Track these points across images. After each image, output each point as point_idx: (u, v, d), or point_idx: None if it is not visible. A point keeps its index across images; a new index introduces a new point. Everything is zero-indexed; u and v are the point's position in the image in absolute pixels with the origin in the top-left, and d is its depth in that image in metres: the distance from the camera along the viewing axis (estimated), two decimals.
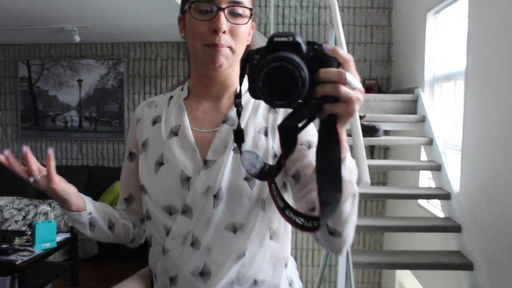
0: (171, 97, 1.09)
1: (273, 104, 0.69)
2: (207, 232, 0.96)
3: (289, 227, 1.05)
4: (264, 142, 0.98)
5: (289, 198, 1.02)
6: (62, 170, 5.32)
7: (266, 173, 0.86)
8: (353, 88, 0.67)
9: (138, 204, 1.12)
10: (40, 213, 3.82)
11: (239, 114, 0.87)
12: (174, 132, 1.02)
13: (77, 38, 4.49)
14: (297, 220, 0.79)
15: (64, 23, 4.35)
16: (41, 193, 5.15)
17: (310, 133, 0.97)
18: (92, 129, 5.65)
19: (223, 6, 0.91)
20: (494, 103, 2.86)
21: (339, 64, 0.69)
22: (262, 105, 1.02)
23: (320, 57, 0.68)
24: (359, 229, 3.47)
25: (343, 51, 0.69)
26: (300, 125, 0.76)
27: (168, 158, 0.99)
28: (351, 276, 2.58)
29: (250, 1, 0.97)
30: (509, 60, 2.69)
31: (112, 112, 5.62)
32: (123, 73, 5.56)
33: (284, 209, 0.80)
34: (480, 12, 3.07)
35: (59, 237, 3.88)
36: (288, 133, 0.77)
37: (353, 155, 2.48)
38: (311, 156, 0.94)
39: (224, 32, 0.92)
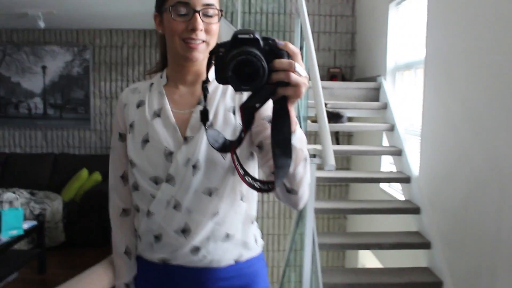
0: (151, 84, 1.25)
1: (240, 89, 0.84)
2: (187, 196, 1.13)
3: (254, 192, 1.22)
4: (233, 120, 1.16)
5: (255, 165, 1.21)
6: (27, 158, 5.26)
7: (228, 146, 1.02)
8: (300, 75, 0.84)
9: None
10: (5, 201, 3.78)
11: (205, 96, 1.04)
12: (157, 114, 1.18)
13: (41, 24, 4.41)
14: (255, 184, 0.95)
15: (28, 7, 4.25)
16: (5, 181, 5.07)
17: (270, 109, 1.09)
18: (57, 116, 5.58)
19: (198, 9, 1.10)
20: (451, 91, 3.02)
21: (289, 56, 0.85)
22: (230, 88, 1.15)
23: (274, 50, 0.85)
24: (323, 212, 3.61)
25: (292, 45, 0.86)
26: (257, 105, 0.91)
27: (152, 136, 1.16)
28: (317, 258, 2.68)
29: (218, 3, 1.16)
30: (465, 50, 2.85)
31: (78, 99, 5.56)
32: (89, 60, 5.50)
33: (244, 175, 0.95)
34: (438, 4, 3.23)
35: (26, 225, 3.86)
36: (248, 112, 0.92)
37: (319, 140, 2.59)
38: None
39: (201, 30, 1.11)
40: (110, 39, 5.52)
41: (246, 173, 0.97)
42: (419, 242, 3.22)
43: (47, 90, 5.55)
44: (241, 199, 1.19)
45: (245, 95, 1.14)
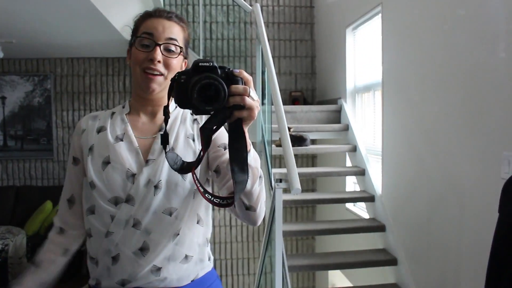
0: (113, 113, 1.31)
1: (203, 109, 0.93)
2: (147, 215, 1.18)
3: (210, 216, 1.32)
4: (192, 145, 1.25)
5: (210, 191, 1.26)
6: None
7: (186, 168, 1.10)
8: (253, 99, 0.94)
9: (79, 204, 1.30)
10: None
11: (166, 121, 1.10)
12: (120, 138, 1.24)
13: (0, 54, 4.34)
14: (215, 200, 1.02)
15: None
16: None
17: (225, 137, 1.22)
18: (18, 147, 5.45)
19: (160, 42, 1.19)
20: (407, 111, 3.15)
21: (243, 82, 0.95)
22: (188, 117, 1.30)
23: (230, 77, 0.94)
24: (291, 234, 3.65)
25: (245, 73, 0.96)
26: (214, 127, 0.99)
27: (114, 158, 1.21)
28: (288, 280, 2.70)
29: (183, 42, 1.25)
30: (419, 71, 2.99)
31: (40, 129, 5.45)
32: (50, 90, 5.43)
33: (205, 193, 1.03)
34: (392, 28, 3.38)
35: None
36: (207, 134, 0.99)
37: (284, 164, 2.64)
38: (227, 155, 1.16)
39: (159, 61, 1.19)
40: (71, 68, 5.47)
41: (206, 190, 1.04)
42: (386, 259, 3.30)
43: (7, 121, 5.43)
44: (198, 223, 1.26)
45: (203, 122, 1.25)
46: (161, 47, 1.19)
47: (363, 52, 4.19)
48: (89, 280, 1.29)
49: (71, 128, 5.45)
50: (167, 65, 1.20)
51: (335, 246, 4.47)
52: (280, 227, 2.49)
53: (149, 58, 1.18)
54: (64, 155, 5.50)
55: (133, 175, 1.19)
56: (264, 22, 4.40)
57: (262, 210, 1.14)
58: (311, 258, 3.62)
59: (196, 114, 1.03)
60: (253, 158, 1.08)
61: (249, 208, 1.12)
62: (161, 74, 1.20)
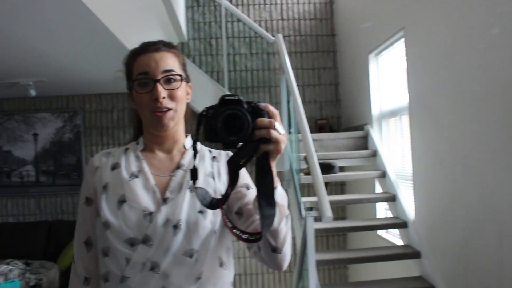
0: (126, 149, 1.27)
1: (228, 140, 0.95)
2: (166, 258, 1.11)
3: (231, 260, 1.25)
4: (212, 183, 1.22)
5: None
6: (20, 227, 5.17)
7: (215, 204, 1.07)
8: (280, 133, 0.95)
9: (96, 246, 1.21)
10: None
11: (195, 155, 1.11)
12: (135, 175, 1.19)
13: (33, 93, 4.48)
14: (243, 236, 1.01)
15: (19, 77, 4.34)
16: None
17: (246, 178, 1.23)
18: (50, 182, 5.55)
19: (158, 77, 1.15)
20: (437, 134, 3.11)
21: (269, 116, 0.97)
22: (206, 155, 1.28)
23: (256, 111, 0.96)
24: (323, 263, 3.60)
25: (271, 106, 0.98)
26: (242, 162, 1.01)
27: (129, 196, 1.15)
28: None
29: (180, 68, 1.22)
30: (446, 92, 2.96)
31: (70, 164, 5.56)
32: (80, 126, 5.56)
33: (233, 228, 1.02)
34: (415, 52, 3.38)
35: None
36: (234, 168, 1.01)
37: (314, 192, 2.63)
38: (250, 195, 1.19)
39: (164, 98, 1.15)
40: (100, 104, 5.60)
41: (234, 226, 1.03)
42: (423, 287, 3.21)
43: (39, 157, 5.56)
44: (221, 266, 1.19)
45: (222, 162, 1.28)
46: (161, 81, 1.15)
47: (387, 77, 4.19)
48: None
49: None
50: (173, 98, 1.17)
51: (368, 275, 4.38)
52: (312, 255, 2.46)
53: (154, 98, 1.14)
54: None
55: (150, 213, 1.13)
56: (287, 52, 4.45)
57: (288, 253, 1.13)
58: (344, 287, 3.54)
59: (224, 149, 1.02)
60: (280, 195, 1.04)
61: (275, 250, 1.10)
62: (170, 109, 1.16)
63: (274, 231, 1.07)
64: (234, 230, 1.02)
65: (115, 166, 1.22)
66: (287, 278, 5.52)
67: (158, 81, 1.15)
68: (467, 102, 2.74)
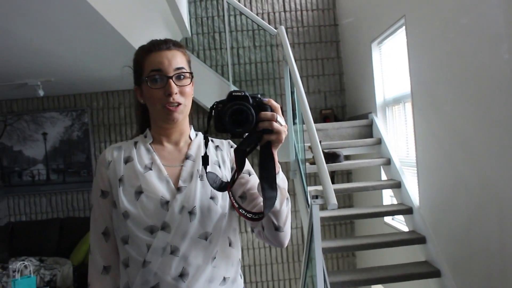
0: (135, 142, 1.35)
1: (235, 131, 1.08)
2: (184, 241, 1.21)
3: (238, 239, 1.37)
4: (219, 171, 1.32)
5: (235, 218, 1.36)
6: (33, 225, 5.26)
7: (224, 186, 1.19)
8: (281, 124, 1.08)
9: (113, 236, 1.29)
10: (15, 270, 3.80)
11: (206, 144, 1.21)
12: (149, 168, 1.28)
13: (41, 93, 4.54)
14: (248, 215, 1.15)
15: (27, 78, 4.41)
16: (14, 250, 5.07)
17: (248, 165, 1.33)
18: (61, 180, 5.65)
19: (170, 74, 1.24)
20: (439, 120, 3.14)
21: (271, 109, 1.10)
22: (210, 145, 1.37)
23: (260, 105, 1.09)
24: (331, 251, 3.65)
25: (274, 101, 1.10)
26: (247, 149, 1.14)
27: (146, 187, 1.24)
28: None
29: (187, 65, 1.32)
30: (447, 78, 2.99)
31: (80, 162, 5.65)
32: (88, 123, 5.64)
33: (239, 208, 1.16)
34: (416, 39, 3.40)
35: None
36: (240, 155, 1.14)
37: (319, 181, 2.68)
38: (252, 181, 1.32)
39: (176, 93, 1.24)
40: (107, 101, 5.68)
41: (240, 206, 1.17)
42: (429, 271, 3.26)
43: (49, 156, 5.65)
44: (230, 245, 1.30)
45: (225, 151, 1.40)
46: (173, 78, 1.24)
47: (390, 65, 4.21)
48: None
49: None
50: (183, 93, 1.25)
51: (376, 261, 4.43)
52: (319, 242, 2.51)
53: (167, 93, 1.23)
54: None
55: (167, 202, 1.22)
56: (290, 43, 4.48)
57: (288, 231, 1.26)
58: (352, 274, 3.60)
59: (231, 138, 1.14)
60: (281, 179, 1.17)
61: (278, 229, 1.23)
62: (180, 104, 1.25)
63: (276, 212, 1.20)
64: (240, 210, 1.15)
65: (127, 160, 1.30)
66: (296, 268, 5.59)
67: (171, 77, 1.23)
68: (468, 88, 2.77)
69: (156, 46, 1.28)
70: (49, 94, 5.44)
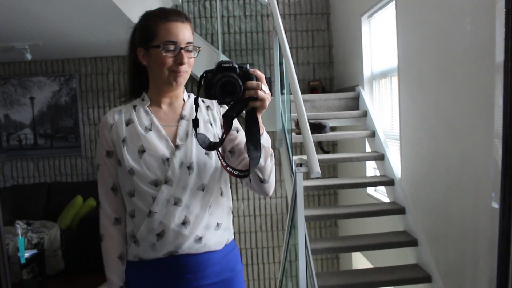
0: (134, 106, 1.47)
1: (223, 101, 1.21)
2: (185, 193, 1.37)
3: (229, 189, 1.53)
4: (211, 129, 1.47)
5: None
6: (20, 189, 5.31)
7: (213, 146, 1.33)
8: (265, 92, 1.21)
9: (120, 191, 1.45)
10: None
11: (196, 109, 1.34)
12: (149, 129, 1.42)
13: (28, 56, 4.51)
14: (234, 172, 1.29)
15: (14, 41, 4.37)
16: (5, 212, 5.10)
17: (236, 123, 1.42)
18: (48, 145, 5.67)
19: (183, 46, 1.38)
20: (424, 95, 3.21)
21: (256, 78, 1.22)
22: (202, 105, 1.51)
23: (246, 75, 1.21)
24: (314, 218, 3.75)
25: (258, 71, 1.23)
26: (234, 115, 1.26)
27: (148, 146, 1.38)
28: (311, 262, 2.79)
29: (193, 38, 1.45)
30: (434, 55, 3.04)
31: (67, 127, 5.66)
32: (76, 89, 5.62)
33: (227, 166, 1.30)
34: (405, 14, 3.43)
35: (27, 254, 3.93)
36: (228, 119, 1.26)
37: (304, 151, 2.74)
38: (240, 137, 1.45)
39: (185, 63, 1.39)
40: (95, 67, 5.65)
41: (228, 164, 1.31)
42: (406, 240, 3.38)
43: (36, 121, 5.64)
44: (221, 195, 1.46)
45: (215, 110, 1.54)
46: (184, 49, 1.38)
47: (379, 39, 4.24)
48: (128, 256, 1.44)
49: (97, 124, 5.63)
50: (189, 64, 1.40)
51: (357, 231, 4.56)
52: (302, 209, 2.59)
53: (178, 62, 1.36)
54: (92, 151, 5.70)
55: (167, 159, 1.37)
56: (281, 14, 4.48)
57: (272, 183, 1.41)
58: (333, 241, 3.71)
59: (220, 104, 1.26)
60: (265, 139, 1.33)
61: (263, 181, 1.37)
62: (185, 71, 1.40)
63: (261, 168, 1.34)
64: (228, 168, 1.29)
65: (128, 122, 1.43)
66: (280, 236, 5.73)
67: (183, 48, 1.37)
68: (452, 65, 2.82)
69: (173, 17, 1.38)
70: (37, 59, 5.40)
